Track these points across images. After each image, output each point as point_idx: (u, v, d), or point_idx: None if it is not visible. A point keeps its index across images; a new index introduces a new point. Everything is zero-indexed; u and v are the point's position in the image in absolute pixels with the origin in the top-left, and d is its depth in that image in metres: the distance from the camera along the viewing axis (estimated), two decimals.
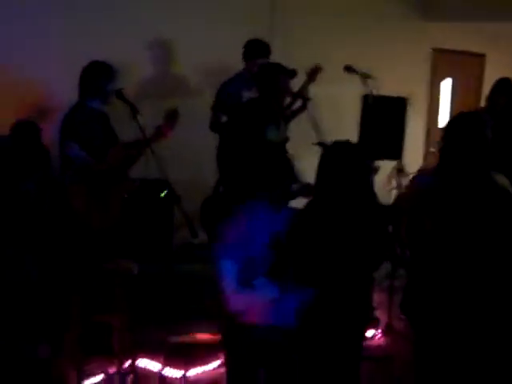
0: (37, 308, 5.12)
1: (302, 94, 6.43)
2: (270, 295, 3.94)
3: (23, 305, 5.12)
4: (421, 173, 4.29)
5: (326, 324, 4.01)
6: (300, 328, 4.03)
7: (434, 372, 4.06)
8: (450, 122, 4.13)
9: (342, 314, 4.01)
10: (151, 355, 5.41)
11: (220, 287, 3.93)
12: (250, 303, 3.94)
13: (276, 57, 6.81)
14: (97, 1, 7.13)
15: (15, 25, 6.75)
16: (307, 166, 6.32)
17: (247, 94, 6.63)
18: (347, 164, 4.01)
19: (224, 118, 6.71)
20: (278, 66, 6.02)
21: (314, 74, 6.78)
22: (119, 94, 5.67)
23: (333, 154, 4.10)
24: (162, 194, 6.21)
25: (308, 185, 6.04)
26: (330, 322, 4.01)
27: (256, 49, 6.77)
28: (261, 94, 5.97)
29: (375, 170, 6.49)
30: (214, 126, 6.80)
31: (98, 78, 5.69)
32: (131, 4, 7.31)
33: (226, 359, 4.24)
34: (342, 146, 4.13)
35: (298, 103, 6.67)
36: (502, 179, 3.98)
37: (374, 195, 4.26)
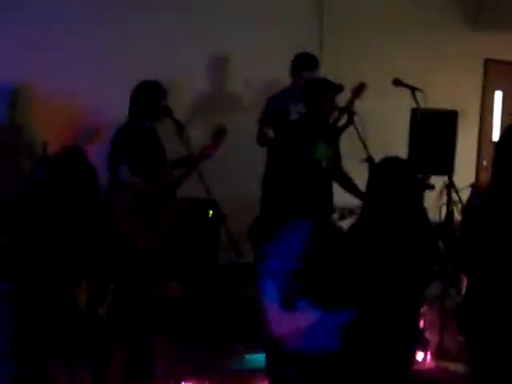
0: (83, 329, 5.09)
1: (348, 109, 6.34)
2: (313, 317, 3.83)
3: (72, 330, 5.10)
4: (476, 189, 4.14)
5: (371, 346, 3.90)
6: (344, 351, 3.92)
7: None
8: (502, 136, 3.99)
9: (388, 336, 3.91)
10: (196, 379, 5.33)
11: (263, 309, 3.84)
12: (293, 326, 3.84)
13: (325, 71, 6.73)
14: (146, 17, 7.10)
15: (61, 42, 6.76)
16: (356, 182, 6.28)
17: (295, 109, 6.57)
18: (398, 180, 3.92)
19: (271, 133, 6.66)
20: (325, 81, 5.97)
21: (358, 91, 6.68)
22: (165, 111, 5.67)
23: (383, 169, 4.00)
24: (210, 214, 6.20)
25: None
26: (375, 344, 3.90)
27: (302, 62, 6.70)
28: (308, 110, 5.91)
29: (430, 187, 6.37)
30: (261, 140, 6.75)
31: (150, 97, 5.68)
32: (182, 18, 7.28)
33: None
34: (392, 161, 4.05)
35: (344, 119, 6.58)
36: None
37: (424, 212, 4.13)
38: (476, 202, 3.98)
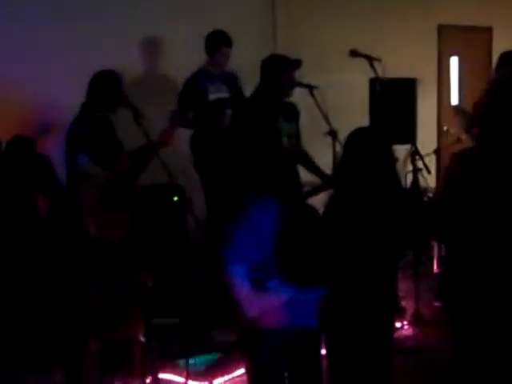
0: (54, 327, 5.01)
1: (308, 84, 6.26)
2: (285, 296, 3.77)
3: (40, 323, 5.01)
4: (457, 154, 4.16)
5: (352, 319, 3.87)
6: (323, 326, 3.89)
7: (474, 364, 3.93)
8: (487, 105, 4.15)
9: (368, 307, 3.88)
10: (173, 369, 5.26)
11: (232, 292, 3.78)
12: (266, 306, 3.78)
13: (280, 46, 6.67)
14: (94, 8, 6.95)
15: (15, 37, 6.59)
16: (320, 156, 6.24)
17: (212, 88, 6.56)
18: (373, 149, 3.89)
19: (191, 114, 6.55)
20: (282, 57, 5.92)
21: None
22: (122, 100, 5.61)
23: (357, 140, 3.95)
24: (175, 198, 6.13)
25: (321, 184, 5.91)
26: (355, 316, 3.87)
27: (220, 38, 6.59)
28: (267, 87, 5.84)
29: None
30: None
31: (107, 86, 5.62)
32: (130, 7, 7.14)
33: (248, 367, 4.08)
34: (364, 131, 4.02)
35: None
36: None
37: (399, 180, 4.11)
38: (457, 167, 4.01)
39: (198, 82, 6.59)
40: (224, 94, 6.59)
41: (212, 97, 6.56)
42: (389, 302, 4.02)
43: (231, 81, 6.71)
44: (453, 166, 4.07)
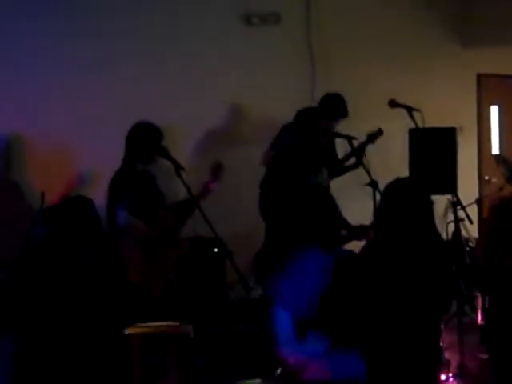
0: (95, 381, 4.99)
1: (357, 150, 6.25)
2: (320, 348, 3.72)
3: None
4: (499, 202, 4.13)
5: (396, 373, 3.81)
6: (369, 380, 3.82)
7: None
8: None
9: (412, 360, 3.81)
10: None
11: (276, 339, 3.76)
12: (305, 353, 3.73)
13: (319, 94, 6.70)
14: (135, 61, 7.07)
15: (54, 88, 6.73)
16: (360, 207, 6.21)
17: None
18: (411, 200, 3.87)
19: None
20: (315, 109, 5.93)
21: (375, 137, 6.63)
22: (163, 152, 5.64)
23: (395, 190, 3.94)
24: (215, 250, 6.14)
25: (361, 227, 5.88)
26: (399, 371, 3.80)
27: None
28: (298, 140, 5.86)
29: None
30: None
31: (144, 139, 5.65)
32: (174, 61, 7.25)
33: None
34: (403, 182, 4.02)
35: (353, 160, 6.54)
36: None
37: (437, 231, 4.07)
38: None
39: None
40: None
41: None
42: (432, 356, 3.95)
43: None
44: (492, 217, 4.03)
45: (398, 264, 3.78)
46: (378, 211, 4.01)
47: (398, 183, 3.98)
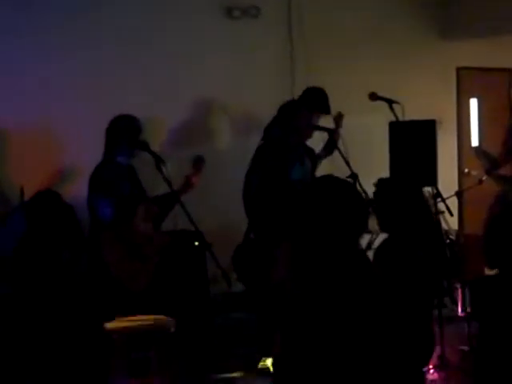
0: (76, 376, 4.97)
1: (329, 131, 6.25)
2: None
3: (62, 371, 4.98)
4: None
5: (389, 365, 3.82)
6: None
7: None
8: None
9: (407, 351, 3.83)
10: None
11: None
12: None
13: (298, 87, 6.68)
14: (117, 52, 7.02)
15: (30, 77, 6.67)
16: None
17: None
18: (414, 197, 3.88)
19: None
20: (296, 102, 5.94)
21: (338, 120, 6.64)
22: (144, 146, 5.63)
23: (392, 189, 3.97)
24: (196, 243, 6.13)
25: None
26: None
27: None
28: (282, 132, 5.87)
29: None
30: None
31: (124, 132, 5.63)
32: (152, 54, 7.20)
33: None
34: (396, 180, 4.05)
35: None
36: None
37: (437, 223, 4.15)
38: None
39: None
40: None
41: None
42: (427, 345, 3.98)
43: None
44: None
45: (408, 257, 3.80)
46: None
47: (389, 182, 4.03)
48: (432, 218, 4.07)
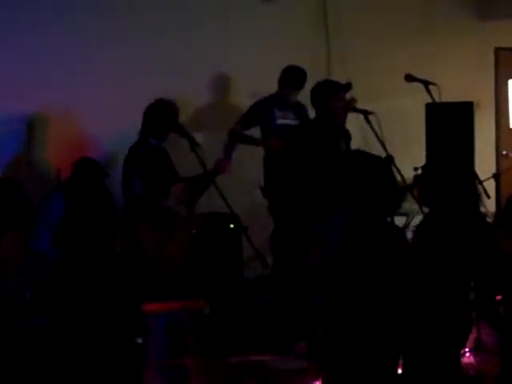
0: (110, 357, 5.03)
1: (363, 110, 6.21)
2: None
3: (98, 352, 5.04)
4: None
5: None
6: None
7: None
8: None
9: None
10: None
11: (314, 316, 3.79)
12: None
13: (334, 73, 6.65)
14: (148, 34, 7.03)
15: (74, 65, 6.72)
16: None
17: (280, 114, 6.68)
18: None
19: (248, 132, 6.73)
20: (332, 83, 5.91)
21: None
22: (179, 129, 5.67)
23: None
24: (231, 226, 6.16)
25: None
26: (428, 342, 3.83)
27: (290, 80, 6.71)
28: (318, 114, 5.84)
29: None
30: (234, 134, 6.72)
31: (162, 115, 5.68)
32: (183, 37, 7.21)
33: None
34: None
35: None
36: None
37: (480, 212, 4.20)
38: None
39: (267, 105, 6.71)
40: (292, 122, 6.62)
41: (280, 122, 6.65)
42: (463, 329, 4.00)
43: (300, 110, 6.73)
44: None
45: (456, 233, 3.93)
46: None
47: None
48: (478, 200, 4.08)
